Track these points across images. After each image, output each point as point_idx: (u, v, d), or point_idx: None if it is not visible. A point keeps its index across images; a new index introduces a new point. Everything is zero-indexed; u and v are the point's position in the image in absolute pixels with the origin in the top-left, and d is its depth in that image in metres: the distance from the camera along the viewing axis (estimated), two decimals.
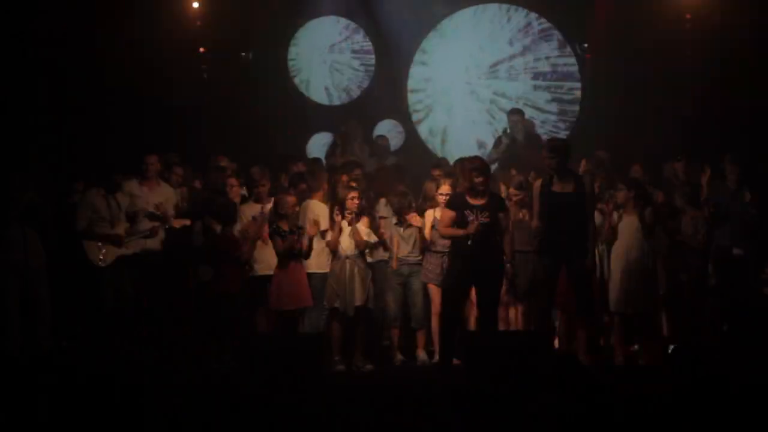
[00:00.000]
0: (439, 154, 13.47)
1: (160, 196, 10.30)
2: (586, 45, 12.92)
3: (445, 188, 9.69)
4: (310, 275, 9.67)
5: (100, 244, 9.87)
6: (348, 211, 9.53)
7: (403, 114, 14.12)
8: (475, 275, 9.08)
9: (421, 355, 9.88)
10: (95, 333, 9.93)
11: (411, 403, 8.16)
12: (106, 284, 9.86)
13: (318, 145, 13.83)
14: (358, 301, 9.56)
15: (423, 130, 14.17)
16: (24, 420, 7.00)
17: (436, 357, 9.68)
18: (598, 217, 9.63)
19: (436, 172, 10.41)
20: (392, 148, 13.25)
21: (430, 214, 9.82)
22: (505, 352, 8.26)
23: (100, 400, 7.52)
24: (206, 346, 9.48)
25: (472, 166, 9.13)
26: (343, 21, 14.23)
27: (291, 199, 9.64)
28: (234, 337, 9.15)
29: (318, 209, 9.81)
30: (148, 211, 10.16)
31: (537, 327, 9.37)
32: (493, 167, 11.31)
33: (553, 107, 13.81)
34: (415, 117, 14.19)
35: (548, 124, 13.74)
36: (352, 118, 13.42)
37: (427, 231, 9.78)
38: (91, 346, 9.80)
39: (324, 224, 9.62)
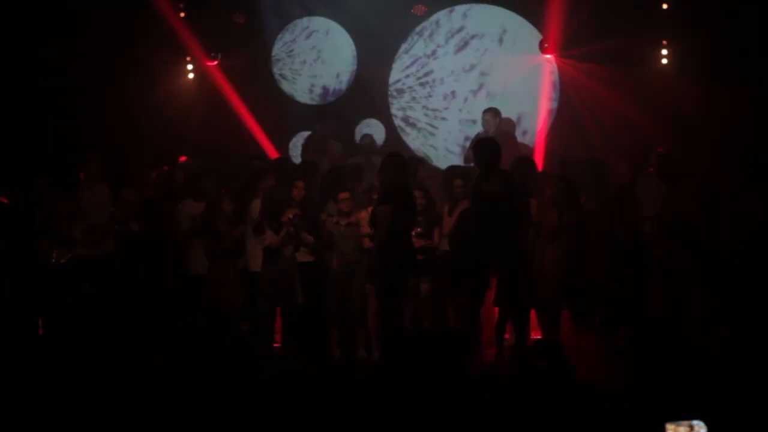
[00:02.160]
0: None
1: (102, 195, 10.54)
2: (546, 45, 12.85)
3: None
4: (250, 273, 9.88)
5: (55, 243, 10.11)
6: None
7: (384, 113, 14.23)
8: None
9: (361, 352, 10.02)
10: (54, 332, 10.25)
11: (338, 398, 8.35)
12: (60, 282, 10.10)
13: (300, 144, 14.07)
14: (299, 299, 9.76)
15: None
16: None
17: (375, 353, 9.84)
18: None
19: None
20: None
21: (365, 215, 9.92)
22: (420, 348, 8.43)
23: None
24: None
25: None
26: (325, 20, 14.36)
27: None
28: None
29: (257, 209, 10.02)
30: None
31: (466, 323, 9.47)
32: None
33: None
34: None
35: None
36: (329, 117, 13.63)
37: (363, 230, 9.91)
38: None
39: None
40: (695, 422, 5.04)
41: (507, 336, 9.75)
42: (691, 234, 9.74)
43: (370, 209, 9.73)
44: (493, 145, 9.30)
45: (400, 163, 9.28)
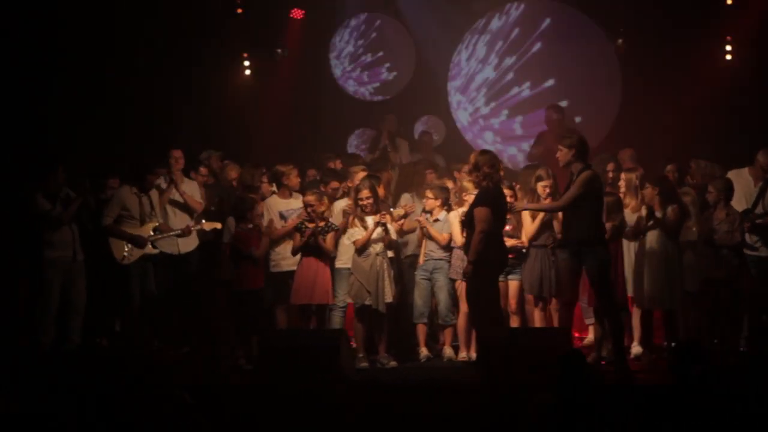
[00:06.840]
0: None
1: (187, 189, 10.44)
2: (621, 41, 12.82)
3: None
4: (338, 270, 9.82)
5: (126, 242, 10.00)
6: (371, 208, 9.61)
7: (443, 110, 14.16)
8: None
9: (447, 351, 9.92)
10: (125, 330, 10.21)
11: (432, 397, 8.27)
12: (132, 281, 9.94)
13: (357, 141, 14.00)
14: (389, 297, 9.62)
15: None
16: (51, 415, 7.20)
17: (462, 353, 9.77)
18: (629, 215, 9.71)
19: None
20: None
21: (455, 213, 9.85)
22: (521, 348, 8.37)
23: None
24: (230, 343, 9.66)
25: None
26: (384, 17, 14.30)
27: (310, 197, 9.73)
28: (255, 334, 9.30)
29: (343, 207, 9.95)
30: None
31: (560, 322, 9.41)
32: None
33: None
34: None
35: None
36: (390, 113, 13.55)
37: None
38: (121, 344, 10.10)
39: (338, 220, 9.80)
40: None
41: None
42: None
43: (460, 210, 9.69)
44: (576, 139, 9.09)
45: (496, 160, 9.14)
